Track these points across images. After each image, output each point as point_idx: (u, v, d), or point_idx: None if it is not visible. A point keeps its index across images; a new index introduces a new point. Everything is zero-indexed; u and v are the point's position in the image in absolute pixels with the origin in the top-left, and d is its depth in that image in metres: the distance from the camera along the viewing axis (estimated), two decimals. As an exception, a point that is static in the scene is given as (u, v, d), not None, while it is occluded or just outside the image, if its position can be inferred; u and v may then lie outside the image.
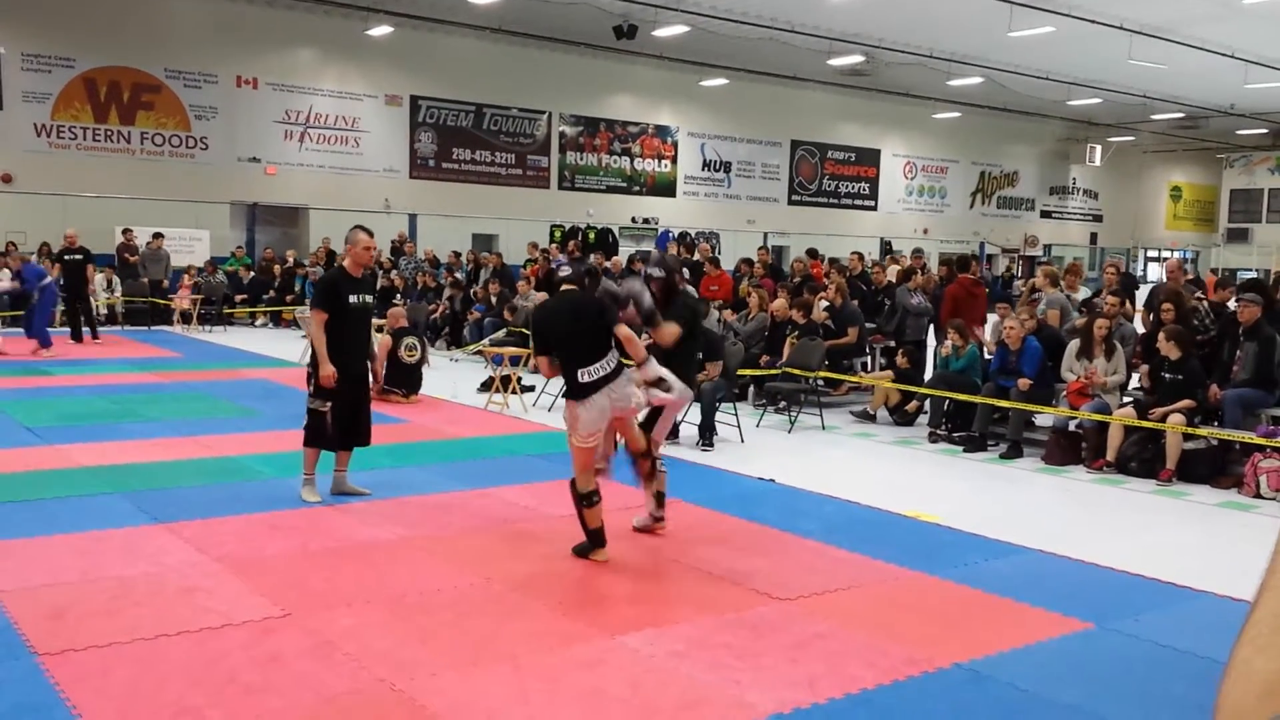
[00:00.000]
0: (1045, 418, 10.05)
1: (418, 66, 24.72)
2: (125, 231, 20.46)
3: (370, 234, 7.19)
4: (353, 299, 7.04)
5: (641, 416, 6.48)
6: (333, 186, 23.74)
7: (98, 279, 19.39)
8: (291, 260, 21.29)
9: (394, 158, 24.85)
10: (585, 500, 5.95)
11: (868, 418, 11.33)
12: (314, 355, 6.98)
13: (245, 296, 20.72)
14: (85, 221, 20.34)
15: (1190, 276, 13.25)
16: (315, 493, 7.17)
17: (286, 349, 16.03)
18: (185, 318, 19.56)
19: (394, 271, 20.05)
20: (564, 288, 6.26)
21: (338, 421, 7.03)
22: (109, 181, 21.19)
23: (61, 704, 3.93)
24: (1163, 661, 4.77)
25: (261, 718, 3.90)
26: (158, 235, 20.39)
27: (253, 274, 21.24)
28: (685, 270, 15.75)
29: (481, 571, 5.72)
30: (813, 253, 17.74)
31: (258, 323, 20.66)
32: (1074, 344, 9.78)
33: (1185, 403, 8.79)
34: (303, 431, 7.15)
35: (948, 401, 10.39)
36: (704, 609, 5.23)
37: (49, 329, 15.22)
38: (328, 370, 6.87)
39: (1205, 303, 10.34)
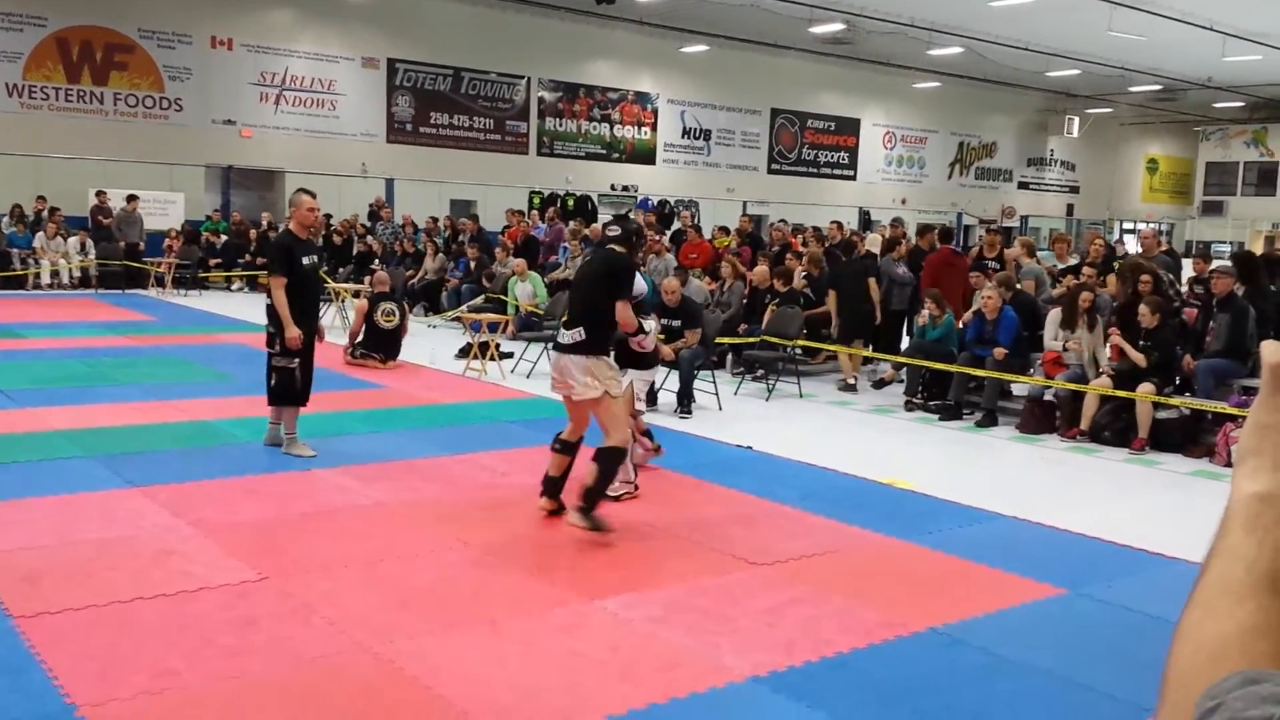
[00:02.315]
0: (1020, 386, 10.12)
1: (395, 29, 24.40)
2: (99, 194, 20.19)
3: (313, 195, 7.41)
4: (305, 260, 7.29)
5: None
6: (309, 150, 23.43)
7: (71, 241, 19.21)
8: (266, 224, 21.07)
9: (371, 121, 24.56)
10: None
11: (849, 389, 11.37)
12: (274, 317, 7.21)
13: (219, 261, 20.52)
14: (58, 183, 20.14)
15: (1165, 248, 13.25)
16: (306, 446, 7.28)
17: (262, 314, 15.80)
18: (160, 281, 19.37)
19: (370, 236, 19.89)
20: (608, 246, 6.16)
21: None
22: (82, 143, 20.85)
23: (38, 666, 3.92)
24: (1134, 627, 4.84)
25: (239, 680, 3.91)
26: (132, 198, 20.13)
27: (225, 238, 20.99)
28: (665, 236, 15.90)
29: (459, 536, 5.73)
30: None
31: (234, 287, 20.48)
32: (1055, 313, 9.83)
33: (1125, 345, 9.05)
34: (269, 393, 7.35)
35: (924, 370, 10.45)
36: (682, 574, 5.26)
37: None
38: (294, 333, 7.10)
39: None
